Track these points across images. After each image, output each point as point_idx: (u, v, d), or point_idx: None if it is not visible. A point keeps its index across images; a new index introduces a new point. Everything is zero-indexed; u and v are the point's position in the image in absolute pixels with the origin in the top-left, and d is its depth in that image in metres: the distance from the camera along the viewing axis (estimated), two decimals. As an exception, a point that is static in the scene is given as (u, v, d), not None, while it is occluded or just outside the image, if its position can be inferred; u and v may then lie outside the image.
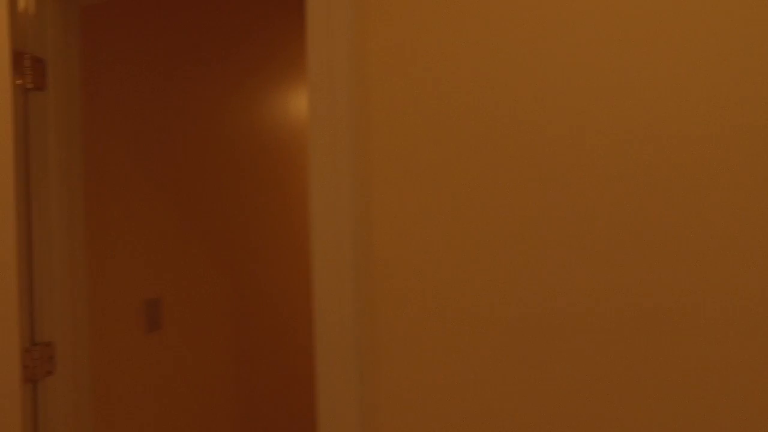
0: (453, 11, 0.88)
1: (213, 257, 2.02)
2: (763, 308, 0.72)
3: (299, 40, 2.83)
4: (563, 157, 0.82)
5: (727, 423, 0.74)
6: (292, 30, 2.75)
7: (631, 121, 0.78)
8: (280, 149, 2.58)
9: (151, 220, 1.72)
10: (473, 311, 0.87)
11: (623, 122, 0.79)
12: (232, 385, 2.08)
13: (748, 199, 0.72)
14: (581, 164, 0.81)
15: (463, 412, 0.88)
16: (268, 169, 2.46)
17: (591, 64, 0.80)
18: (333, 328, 0.95)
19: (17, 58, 1.20)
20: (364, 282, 0.94)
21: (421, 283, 0.91)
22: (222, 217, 2.09)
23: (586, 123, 0.80)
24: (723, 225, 0.74)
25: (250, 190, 2.29)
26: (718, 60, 0.73)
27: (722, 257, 0.74)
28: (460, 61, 0.88)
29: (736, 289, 0.73)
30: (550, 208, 0.83)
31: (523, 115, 0.84)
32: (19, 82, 1.20)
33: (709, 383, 0.74)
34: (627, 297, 0.78)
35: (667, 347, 0.76)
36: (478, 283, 0.87)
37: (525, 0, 0.84)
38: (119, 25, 1.64)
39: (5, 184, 1.18)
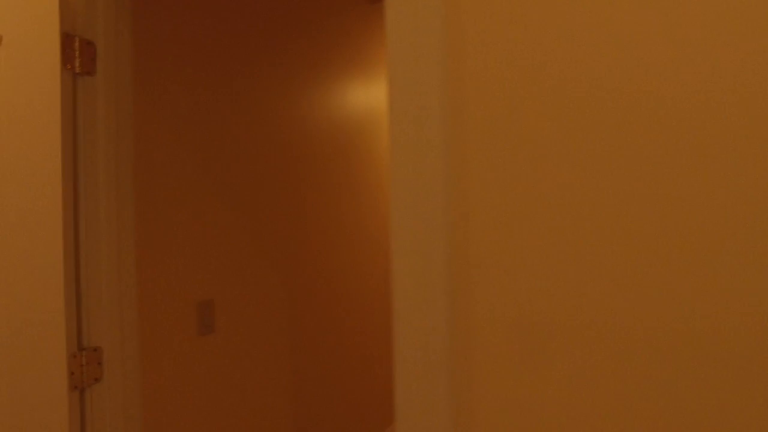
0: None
1: (268, 258, 1.91)
2: None
3: (363, 31, 2.70)
4: (694, 140, 0.64)
5: None
6: (356, 20, 2.62)
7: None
8: (341, 145, 2.46)
9: (205, 218, 1.63)
10: (590, 323, 0.70)
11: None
12: (287, 393, 1.97)
13: None
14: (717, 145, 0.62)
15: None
16: (328, 167, 2.34)
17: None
18: (418, 336, 0.80)
19: (66, 40, 1.11)
20: (457, 287, 0.79)
21: (523, 290, 0.75)
22: (278, 216, 1.98)
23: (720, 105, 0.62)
24: None
25: (309, 188, 2.18)
26: None
27: None
28: (565, 46, 0.71)
29: None
30: (689, 201, 0.65)
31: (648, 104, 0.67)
32: (68, 66, 1.11)
33: None
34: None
35: None
36: (593, 289, 0.70)
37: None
38: (173, 12, 1.55)
39: (53, 177, 1.10)
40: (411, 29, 0.79)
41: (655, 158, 0.67)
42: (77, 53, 1.13)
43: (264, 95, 1.94)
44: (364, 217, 2.71)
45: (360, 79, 2.75)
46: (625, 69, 0.69)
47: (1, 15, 1.15)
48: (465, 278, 0.78)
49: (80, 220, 1.15)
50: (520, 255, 0.75)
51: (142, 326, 1.38)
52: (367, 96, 2.83)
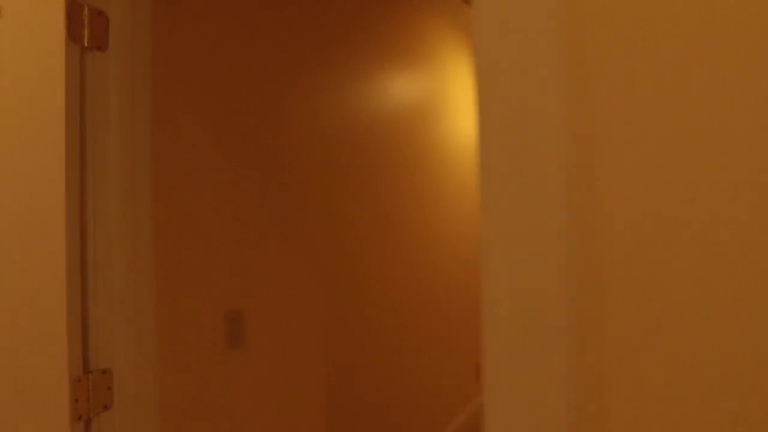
0: None
1: (306, 264, 1.73)
2: None
3: (402, 19, 2.49)
4: None
5: None
6: (393, 10, 2.41)
7: None
8: (388, 143, 2.26)
9: (235, 219, 1.45)
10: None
11: None
12: (323, 415, 1.79)
13: None
14: None
15: None
16: (373, 166, 2.14)
17: None
18: (528, 357, 0.58)
19: (73, 9, 0.94)
20: (580, 292, 0.56)
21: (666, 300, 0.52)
22: (317, 218, 1.79)
23: None
24: None
25: (351, 189, 1.99)
26: None
27: None
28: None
29: None
30: None
31: None
32: (74, 39, 0.94)
33: None
34: None
35: None
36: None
37: None
38: (203, -17, 1.37)
39: (55, 172, 0.93)
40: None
41: None
42: (86, 24, 0.96)
43: (304, 88, 1.75)
44: (414, 217, 2.50)
45: (406, 70, 2.54)
46: None
47: (2, -19, 0.99)
48: (598, 284, 0.56)
49: (88, 221, 0.98)
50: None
51: (162, 341, 1.21)
52: (413, 89, 2.61)
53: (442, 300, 2.88)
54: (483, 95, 0.59)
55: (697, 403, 0.51)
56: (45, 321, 0.94)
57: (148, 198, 1.07)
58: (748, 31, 0.48)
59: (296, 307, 1.67)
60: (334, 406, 1.86)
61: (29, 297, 0.96)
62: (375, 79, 2.24)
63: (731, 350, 0.49)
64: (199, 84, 1.35)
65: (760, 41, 0.48)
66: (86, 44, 0.95)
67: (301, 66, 1.75)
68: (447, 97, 3.04)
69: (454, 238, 3.07)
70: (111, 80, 0.99)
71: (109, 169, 1.00)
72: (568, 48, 0.55)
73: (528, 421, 0.56)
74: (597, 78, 0.55)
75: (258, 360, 1.50)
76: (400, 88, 2.47)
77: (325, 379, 1.80)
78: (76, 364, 0.95)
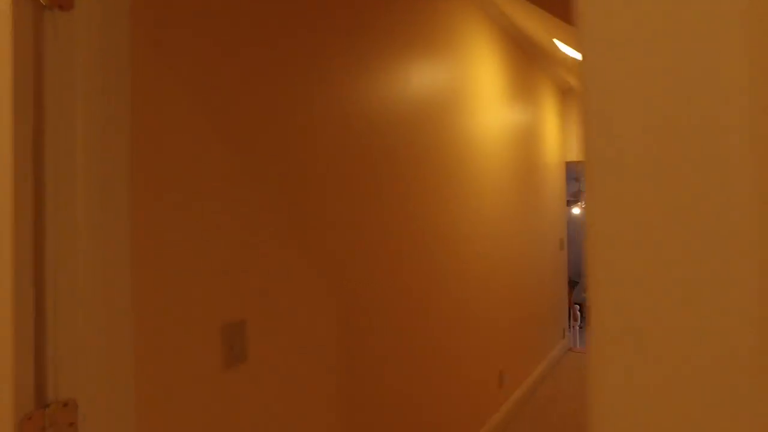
0: None
1: (317, 268, 1.54)
2: None
3: (424, 4, 2.27)
4: None
5: None
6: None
7: None
8: (410, 135, 2.05)
9: (234, 216, 1.27)
10: None
11: None
12: None
13: None
14: None
15: None
16: (394, 160, 1.94)
17: None
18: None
19: (28, -43, 0.76)
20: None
21: None
22: (329, 216, 1.60)
23: None
24: None
25: (368, 185, 1.79)
26: None
27: None
28: None
29: None
30: None
31: None
32: (29, -5, 0.76)
33: None
34: None
35: None
36: None
37: None
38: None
39: (0, 163, 0.75)
40: None
41: None
42: (44, -23, 0.77)
43: (314, 77, 1.55)
44: (438, 215, 2.29)
45: (429, 59, 2.32)
46: None
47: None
48: None
49: (46, 223, 0.80)
50: None
51: (144, 361, 1.03)
52: (436, 82, 2.40)
53: (467, 304, 2.67)
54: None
55: None
56: (-12, 344, 0.77)
57: (125, 195, 0.89)
58: None
59: (307, 317, 1.48)
60: (350, 425, 1.67)
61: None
62: (396, 67, 2.03)
63: None
64: (200, 66, 1.16)
65: None
66: (44, 1, 0.77)
67: (319, 53, 1.55)
68: (471, 88, 2.81)
69: (479, 239, 2.85)
70: (78, 47, 0.81)
71: (75, 160, 0.82)
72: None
73: None
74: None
75: (263, 378, 1.32)
76: (425, 80, 2.25)
77: (341, 397, 1.61)
78: (25, 396, 0.78)
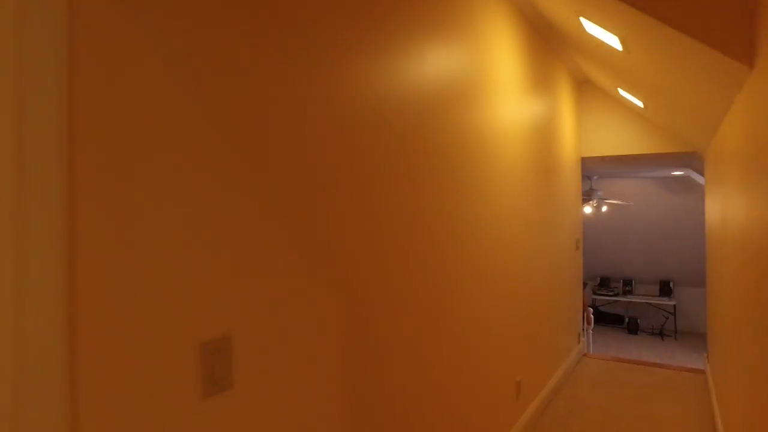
0: None
1: (319, 273, 1.29)
2: None
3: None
4: None
5: None
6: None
7: None
8: (423, 128, 1.80)
9: (217, 210, 1.02)
10: None
11: None
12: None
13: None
14: None
15: None
16: (406, 155, 1.69)
17: None
18: None
19: None
20: None
21: None
22: (334, 214, 1.35)
23: None
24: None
25: (377, 180, 1.54)
26: None
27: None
28: None
29: None
30: None
31: None
32: None
33: None
34: None
35: None
36: None
37: None
38: None
39: None
40: None
41: None
42: None
43: (317, 58, 1.31)
44: (454, 215, 2.04)
45: (444, 45, 2.08)
46: None
47: None
48: None
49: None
50: None
51: (88, 396, 0.78)
52: (451, 69, 2.15)
53: (483, 311, 2.42)
54: None
55: None
56: None
57: (57, 175, 0.65)
58: None
59: (305, 331, 1.23)
60: (355, 454, 1.42)
61: None
62: (408, 54, 1.78)
63: None
64: (191, 45, 0.92)
65: None
66: None
67: (322, 40, 1.30)
68: (488, 77, 2.56)
69: (495, 242, 2.60)
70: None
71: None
72: None
73: None
74: None
75: (251, 408, 1.07)
76: (441, 64, 2.00)
77: (345, 420, 1.37)
78: None
